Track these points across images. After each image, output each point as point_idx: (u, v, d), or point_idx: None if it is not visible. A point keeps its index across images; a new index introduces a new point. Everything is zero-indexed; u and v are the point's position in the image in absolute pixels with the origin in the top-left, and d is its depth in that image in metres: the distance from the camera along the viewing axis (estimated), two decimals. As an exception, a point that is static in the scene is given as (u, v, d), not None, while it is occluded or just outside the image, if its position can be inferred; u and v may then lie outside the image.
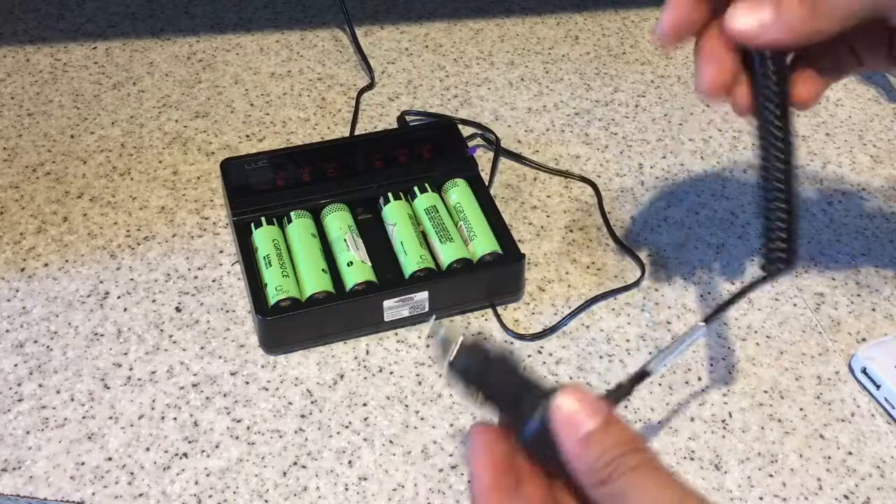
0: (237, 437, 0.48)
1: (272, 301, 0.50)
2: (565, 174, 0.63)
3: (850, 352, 0.53)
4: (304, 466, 0.47)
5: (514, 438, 0.32)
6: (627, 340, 0.53)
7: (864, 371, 0.51)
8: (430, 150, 0.59)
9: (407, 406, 0.50)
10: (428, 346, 0.31)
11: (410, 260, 0.53)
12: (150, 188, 0.61)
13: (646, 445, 0.32)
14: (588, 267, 0.57)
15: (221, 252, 0.57)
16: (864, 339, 0.54)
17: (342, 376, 0.51)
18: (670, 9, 0.40)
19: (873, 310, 0.56)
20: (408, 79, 0.71)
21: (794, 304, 0.56)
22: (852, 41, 0.43)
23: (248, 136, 0.65)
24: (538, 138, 0.66)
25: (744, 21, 0.38)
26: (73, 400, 0.49)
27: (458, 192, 0.57)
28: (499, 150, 0.64)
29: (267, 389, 0.50)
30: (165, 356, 0.51)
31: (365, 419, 0.49)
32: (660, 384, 0.51)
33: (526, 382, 0.32)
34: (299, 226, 0.54)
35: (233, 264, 0.56)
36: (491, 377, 0.33)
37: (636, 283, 0.56)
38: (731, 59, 0.40)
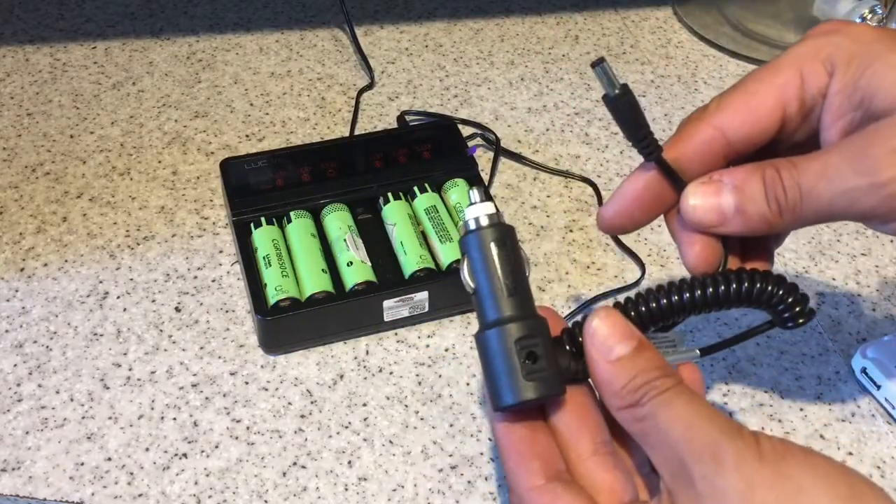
0: (237, 438, 0.48)
1: (272, 301, 0.50)
2: (565, 174, 0.63)
3: (850, 352, 0.53)
4: (303, 467, 0.47)
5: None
6: (627, 340, 0.53)
7: (864, 371, 0.51)
8: (430, 150, 0.59)
9: (407, 406, 0.50)
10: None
11: (410, 260, 0.53)
12: (150, 188, 0.61)
13: (677, 374, 0.31)
14: (588, 267, 0.57)
15: (221, 252, 0.57)
16: (864, 339, 0.54)
17: (342, 376, 0.51)
18: (616, 201, 0.36)
19: (873, 310, 0.55)
20: (408, 79, 0.71)
21: (795, 304, 0.56)
22: None
23: (247, 136, 0.65)
24: (538, 138, 0.66)
25: (702, 211, 0.34)
26: (72, 400, 0.49)
27: (458, 192, 0.57)
28: (499, 150, 0.64)
29: (266, 389, 0.50)
30: (165, 356, 0.51)
31: (365, 419, 0.49)
32: (660, 384, 0.51)
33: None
34: (299, 226, 0.54)
35: (232, 264, 0.56)
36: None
37: (636, 283, 0.56)
38: (710, 236, 0.35)
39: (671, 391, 0.30)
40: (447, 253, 0.53)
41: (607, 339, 0.31)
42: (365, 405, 0.50)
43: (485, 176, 0.61)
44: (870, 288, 0.57)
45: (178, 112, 0.67)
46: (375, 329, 0.53)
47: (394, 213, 0.55)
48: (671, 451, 0.29)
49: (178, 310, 0.54)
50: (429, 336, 0.53)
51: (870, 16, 0.69)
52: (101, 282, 0.55)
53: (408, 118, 0.66)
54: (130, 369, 0.51)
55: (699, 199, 0.33)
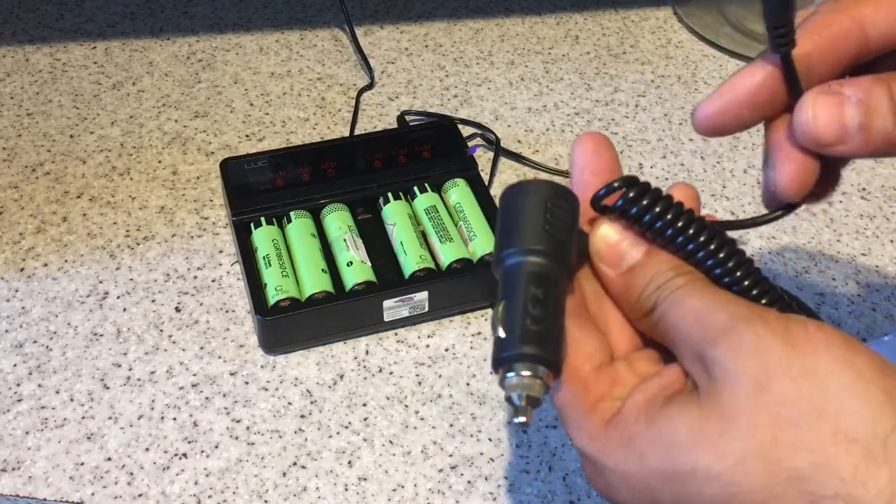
0: (237, 438, 0.48)
1: (272, 301, 0.50)
2: (565, 174, 0.63)
3: (851, 352, 0.53)
4: (303, 467, 0.47)
5: None
6: (627, 340, 0.53)
7: (864, 371, 0.51)
8: (430, 150, 0.59)
9: (407, 406, 0.50)
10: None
11: (410, 260, 0.53)
12: (150, 188, 0.61)
13: (692, 270, 0.29)
14: (588, 267, 0.57)
15: (221, 252, 0.57)
16: (864, 340, 0.54)
17: (342, 376, 0.51)
18: (722, 95, 0.31)
19: (873, 310, 0.56)
20: (407, 79, 0.71)
21: (795, 305, 0.56)
22: None
23: (247, 135, 0.65)
24: (538, 138, 0.66)
25: (823, 125, 0.28)
26: (72, 400, 0.49)
27: (458, 192, 0.57)
28: (499, 150, 0.64)
29: (266, 390, 0.50)
30: (165, 356, 0.51)
31: (365, 419, 0.49)
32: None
33: None
34: (299, 226, 0.54)
35: (232, 264, 0.56)
36: None
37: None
38: (812, 156, 0.30)
39: (682, 288, 0.28)
40: (447, 253, 0.53)
41: (616, 246, 0.29)
42: (365, 405, 0.50)
43: (485, 176, 0.61)
44: (870, 288, 0.57)
45: (178, 112, 0.67)
46: (375, 329, 0.53)
47: (394, 213, 0.55)
48: (687, 345, 0.27)
49: (178, 310, 0.54)
50: (429, 336, 0.53)
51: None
52: (101, 282, 0.55)
53: (408, 118, 0.66)
54: (130, 369, 0.51)
55: (820, 111, 0.28)
